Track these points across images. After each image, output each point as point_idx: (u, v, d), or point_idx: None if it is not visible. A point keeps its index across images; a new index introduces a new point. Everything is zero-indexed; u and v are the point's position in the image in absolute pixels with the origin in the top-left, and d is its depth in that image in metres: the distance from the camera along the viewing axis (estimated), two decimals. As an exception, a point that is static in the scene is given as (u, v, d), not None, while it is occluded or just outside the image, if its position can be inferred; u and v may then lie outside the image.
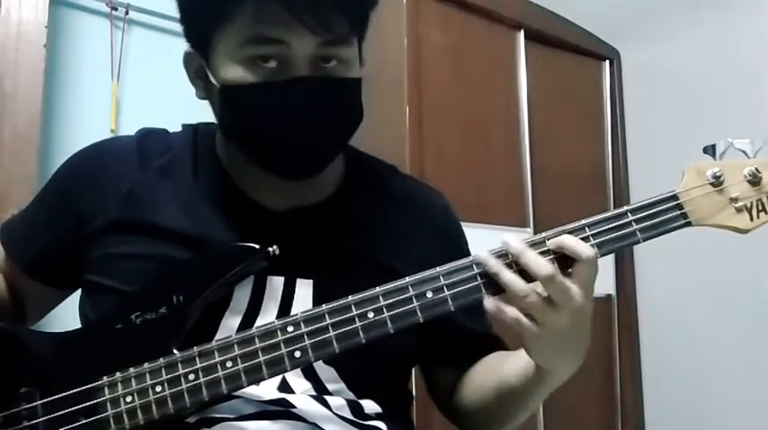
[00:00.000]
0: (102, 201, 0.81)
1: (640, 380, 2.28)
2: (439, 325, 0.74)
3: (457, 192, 1.61)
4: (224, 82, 0.76)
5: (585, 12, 2.37)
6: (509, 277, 0.69)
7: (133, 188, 0.81)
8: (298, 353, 0.69)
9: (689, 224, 0.75)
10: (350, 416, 0.77)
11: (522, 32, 2.11)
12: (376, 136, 1.47)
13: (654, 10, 2.31)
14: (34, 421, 0.69)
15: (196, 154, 0.85)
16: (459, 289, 0.71)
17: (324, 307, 0.71)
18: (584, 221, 0.74)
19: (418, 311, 0.70)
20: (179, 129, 0.91)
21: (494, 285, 0.71)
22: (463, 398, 0.88)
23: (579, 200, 2.17)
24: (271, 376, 0.69)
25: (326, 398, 0.76)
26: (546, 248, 0.71)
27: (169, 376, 0.69)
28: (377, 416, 0.80)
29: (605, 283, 2.21)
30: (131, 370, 0.69)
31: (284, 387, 0.75)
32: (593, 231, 0.73)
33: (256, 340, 0.69)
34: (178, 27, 2.03)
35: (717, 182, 0.75)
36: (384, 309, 0.70)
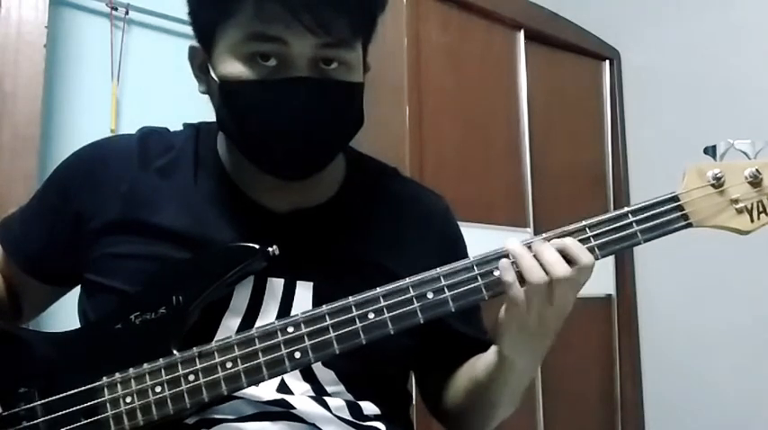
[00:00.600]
0: (102, 200, 0.81)
1: (640, 380, 2.28)
2: (433, 328, 0.74)
3: (457, 192, 1.62)
4: (223, 77, 0.76)
5: (585, 12, 2.37)
6: (527, 262, 0.70)
7: (133, 188, 0.81)
8: (298, 354, 0.69)
9: (690, 225, 0.75)
10: (349, 418, 0.77)
11: (522, 32, 2.11)
12: (376, 136, 1.47)
13: (654, 10, 2.31)
14: (34, 421, 0.69)
15: (197, 154, 0.85)
16: (459, 290, 0.72)
17: (324, 308, 0.71)
18: (584, 222, 0.74)
19: (419, 312, 0.71)
20: (179, 128, 0.91)
21: (494, 286, 0.71)
22: (445, 400, 0.89)
23: (579, 200, 2.18)
24: (271, 377, 0.70)
25: (325, 399, 0.76)
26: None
27: (169, 377, 0.69)
28: (376, 418, 0.80)
29: (605, 283, 2.21)
30: (131, 370, 0.70)
31: (283, 388, 0.75)
32: (594, 232, 0.73)
33: (256, 341, 0.69)
34: (178, 27, 2.03)
35: (717, 183, 0.75)
36: (385, 310, 0.70)
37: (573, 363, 2.04)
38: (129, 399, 0.69)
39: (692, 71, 2.19)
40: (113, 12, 1.81)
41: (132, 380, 0.69)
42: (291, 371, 0.70)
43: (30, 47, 1.57)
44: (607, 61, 2.39)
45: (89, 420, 0.68)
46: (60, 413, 0.69)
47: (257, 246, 0.73)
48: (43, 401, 0.70)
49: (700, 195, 0.75)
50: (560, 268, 0.69)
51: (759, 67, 2.03)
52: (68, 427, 0.68)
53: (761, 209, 0.75)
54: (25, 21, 1.57)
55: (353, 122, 0.81)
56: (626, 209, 0.75)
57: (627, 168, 2.36)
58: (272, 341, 0.69)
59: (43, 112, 1.59)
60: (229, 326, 0.76)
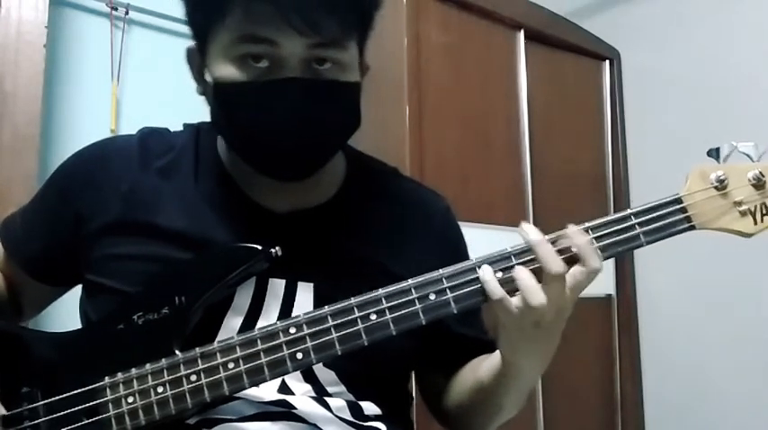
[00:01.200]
0: (103, 200, 0.81)
1: (640, 380, 2.28)
2: (433, 329, 0.74)
3: (457, 192, 1.62)
4: (216, 79, 0.76)
5: (585, 12, 2.37)
6: (521, 274, 0.69)
7: (134, 188, 0.81)
8: (300, 355, 0.69)
9: (693, 227, 0.74)
10: (350, 418, 0.77)
11: (522, 32, 2.11)
12: (376, 136, 1.47)
13: (654, 10, 2.31)
14: (36, 421, 0.69)
15: (197, 154, 0.85)
16: (461, 291, 0.71)
17: (326, 309, 0.70)
18: (587, 224, 0.73)
19: (421, 313, 0.70)
20: (179, 128, 0.91)
21: None
22: (447, 401, 0.89)
23: (579, 200, 2.18)
24: (273, 378, 0.70)
25: (326, 399, 0.76)
26: (554, 240, 0.71)
27: (171, 377, 0.69)
28: (376, 418, 0.80)
29: (605, 283, 2.21)
30: (133, 370, 0.70)
31: (284, 388, 0.75)
32: (597, 234, 0.73)
33: (258, 341, 0.69)
34: (178, 27, 2.03)
35: (721, 185, 0.75)
36: (387, 311, 0.70)
37: (573, 363, 2.04)
38: (130, 399, 0.69)
39: (692, 71, 2.19)
40: (113, 12, 1.81)
41: (134, 381, 0.69)
42: (293, 371, 0.70)
43: (30, 47, 1.57)
44: (607, 61, 2.39)
45: (91, 420, 0.68)
46: (62, 413, 0.69)
47: (260, 247, 0.73)
48: (45, 401, 0.70)
49: (703, 198, 0.75)
50: (555, 263, 0.68)
51: (759, 66, 2.03)
52: (70, 427, 0.68)
53: (764, 211, 0.75)
54: (25, 21, 1.57)
55: (349, 122, 0.81)
56: (629, 211, 0.74)
57: (627, 168, 2.36)
58: (275, 342, 0.69)
59: (43, 112, 1.59)
60: (231, 326, 0.76)
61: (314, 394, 0.76)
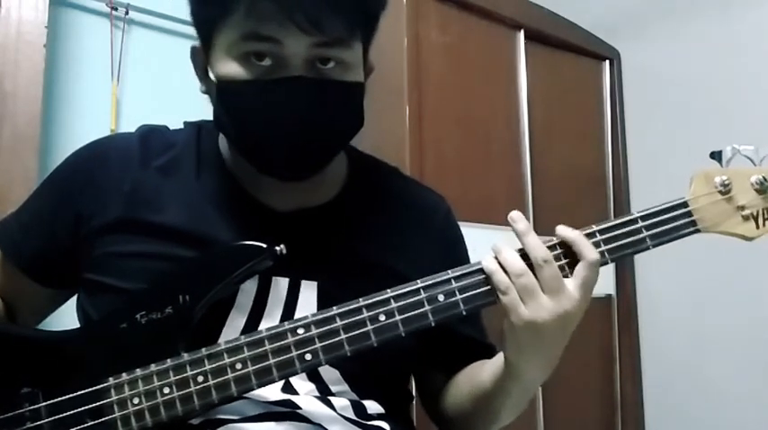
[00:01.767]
0: (104, 199, 0.80)
1: (640, 380, 2.28)
2: (436, 330, 0.74)
3: (457, 192, 1.62)
4: (219, 77, 0.76)
5: (585, 12, 2.37)
6: (508, 255, 0.70)
7: (135, 186, 0.81)
8: (308, 356, 0.69)
9: (697, 231, 0.76)
10: (353, 417, 0.77)
11: (522, 32, 2.11)
12: (376, 136, 1.47)
13: (654, 10, 2.31)
14: (38, 422, 0.68)
15: (199, 152, 0.85)
16: (470, 293, 0.71)
17: (335, 309, 0.70)
18: (595, 227, 0.74)
19: (430, 315, 0.70)
20: (179, 127, 0.91)
21: None
22: (445, 403, 0.89)
23: (579, 200, 2.18)
24: (281, 379, 0.69)
25: (330, 399, 0.76)
26: (554, 244, 0.72)
27: (177, 378, 0.68)
28: (379, 417, 0.80)
29: (605, 283, 2.21)
30: (138, 371, 0.69)
31: (288, 388, 0.75)
32: (604, 236, 0.73)
33: (266, 342, 0.69)
34: (178, 27, 2.02)
35: (725, 189, 0.76)
36: (396, 312, 0.70)
37: (573, 363, 2.04)
38: (136, 401, 0.68)
39: (692, 71, 2.19)
40: (113, 12, 1.81)
41: (140, 381, 0.68)
42: (302, 372, 0.70)
43: (30, 47, 1.56)
44: (607, 61, 2.39)
45: (96, 421, 0.68)
46: (66, 414, 0.68)
47: (264, 246, 0.73)
48: (49, 402, 0.69)
49: (708, 202, 0.76)
50: (539, 249, 0.69)
51: (759, 66, 2.03)
52: (75, 428, 0.68)
53: (766, 215, 0.77)
54: (25, 21, 1.57)
55: (352, 122, 0.81)
56: (635, 214, 0.75)
57: (627, 168, 2.36)
58: (283, 342, 0.69)
59: (43, 112, 1.58)
60: (235, 324, 0.75)
61: (317, 393, 0.76)
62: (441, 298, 0.71)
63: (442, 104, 1.87)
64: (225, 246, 0.77)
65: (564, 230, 0.73)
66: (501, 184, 1.99)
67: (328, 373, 0.77)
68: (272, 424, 0.73)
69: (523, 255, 0.71)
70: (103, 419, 0.68)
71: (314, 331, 0.69)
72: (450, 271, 0.72)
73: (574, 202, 2.14)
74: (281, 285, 0.78)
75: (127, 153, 0.84)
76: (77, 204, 0.82)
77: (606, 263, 0.73)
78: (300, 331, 0.69)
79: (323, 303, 0.76)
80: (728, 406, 2.03)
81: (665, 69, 2.27)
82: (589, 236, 0.73)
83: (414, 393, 0.95)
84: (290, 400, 0.74)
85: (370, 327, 0.69)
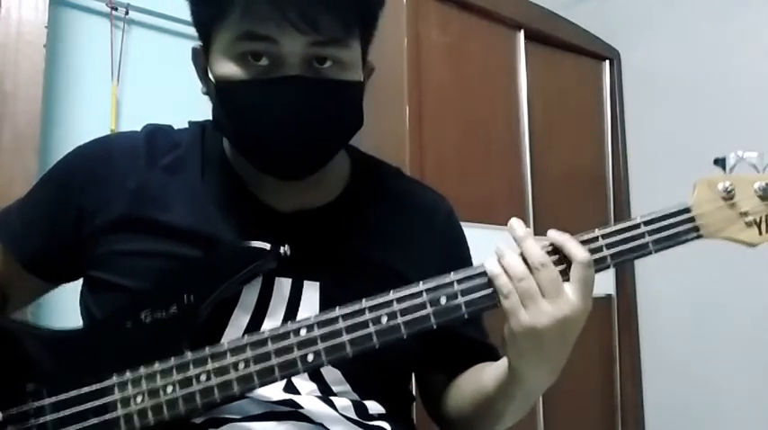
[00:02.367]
0: (108, 196, 0.80)
1: (640, 380, 2.28)
2: (438, 331, 0.74)
3: (457, 192, 1.61)
4: (218, 78, 0.76)
5: (585, 12, 2.37)
6: (511, 259, 0.70)
7: (142, 184, 0.81)
8: (311, 357, 0.69)
9: (700, 237, 0.76)
10: (355, 417, 0.77)
11: (522, 32, 2.11)
12: (376, 136, 1.47)
13: (654, 10, 2.31)
14: (42, 419, 0.68)
15: (204, 152, 0.85)
16: (473, 295, 0.71)
17: (337, 310, 0.70)
18: (597, 232, 0.74)
19: (432, 317, 0.70)
20: (181, 127, 0.91)
21: None
22: (446, 405, 0.89)
23: (579, 200, 2.18)
24: (283, 378, 0.70)
25: (332, 399, 0.76)
26: (550, 249, 0.72)
27: (180, 377, 0.68)
28: (380, 417, 0.80)
29: (605, 283, 2.21)
30: (142, 369, 0.69)
31: (290, 388, 0.75)
32: (607, 241, 0.73)
33: (269, 342, 0.69)
34: (178, 27, 2.02)
35: (728, 196, 0.76)
36: (398, 314, 0.70)
37: (573, 363, 2.03)
38: (139, 399, 0.68)
39: (692, 71, 2.19)
40: (113, 12, 1.81)
41: (143, 380, 0.68)
42: (304, 372, 0.70)
43: (30, 47, 1.57)
44: (607, 61, 2.39)
45: (99, 419, 0.68)
46: (69, 411, 0.68)
47: (269, 246, 0.73)
48: (52, 399, 0.69)
49: (711, 208, 0.76)
50: (536, 253, 0.70)
51: (759, 66, 2.03)
52: (77, 426, 0.68)
53: None
54: (25, 21, 1.57)
55: (350, 121, 0.81)
56: (639, 219, 0.75)
57: (627, 168, 2.36)
58: (285, 343, 0.69)
59: (43, 112, 1.58)
60: (239, 323, 0.75)
61: (319, 393, 0.76)
62: (443, 300, 0.70)
63: (442, 104, 1.87)
64: (230, 247, 0.77)
65: (553, 234, 0.73)
66: (501, 184, 1.99)
67: (330, 374, 0.77)
68: (274, 423, 0.73)
69: (527, 259, 0.71)
70: (106, 417, 0.68)
71: (317, 332, 0.69)
72: (452, 273, 0.72)
73: (574, 202, 2.14)
74: (284, 286, 0.78)
75: (133, 151, 0.84)
76: (81, 201, 0.81)
77: (609, 267, 0.73)
78: (303, 332, 0.69)
79: (325, 304, 0.76)
80: (728, 406, 2.04)
81: (665, 69, 2.27)
82: (592, 240, 0.73)
83: (415, 394, 0.95)
84: (292, 400, 0.74)
85: (372, 329, 0.69)
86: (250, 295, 0.77)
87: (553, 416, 1.98)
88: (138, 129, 0.89)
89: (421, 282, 0.71)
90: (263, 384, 0.69)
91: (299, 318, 0.75)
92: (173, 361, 0.69)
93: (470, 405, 0.83)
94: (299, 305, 0.78)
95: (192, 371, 0.68)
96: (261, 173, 0.80)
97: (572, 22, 2.29)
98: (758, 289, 1.98)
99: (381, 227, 0.87)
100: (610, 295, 2.24)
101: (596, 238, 0.73)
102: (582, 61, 2.33)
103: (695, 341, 2.14)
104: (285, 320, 0.76)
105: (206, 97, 0.82)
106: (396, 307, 0.70)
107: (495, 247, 0.73)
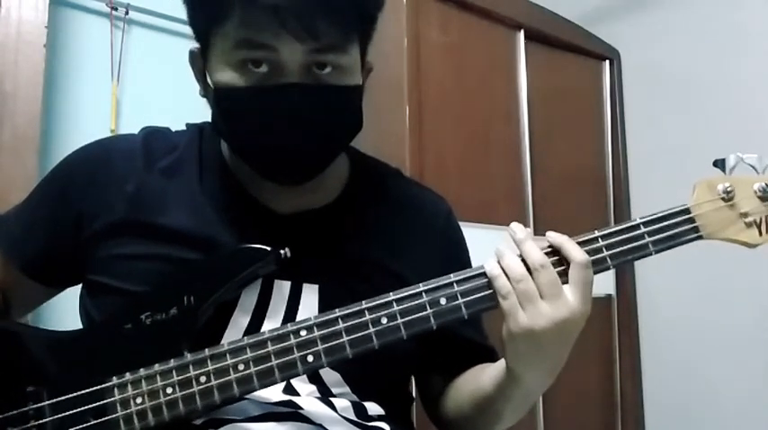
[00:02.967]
0: (107, 200, 0.80)
1: (640, 380, 2.28)
2: (438, 332, 0.74)
3: (457, 193, 1.62)
4: (217, 84, 0.76)
5: (585, 12, 2.37)
6: (510, 260, 0.70)
7: (140, 188, 0.81)
8: (311, 358, 0.69)
9: (700, 237, 0.76)
10: (354, 418, 0.77)
11: (522, 32, 2.11)
12: (376, 136, 1.47)
13: (654, 10, 2.31)
14: (42, 421, 0.68)
15: (201, 154, 0.85)
16: (472, 297, 0.71)
17: (337, 311, 0.70)
18: (597, 233, 0.74)
19: (432, 318, 0.70)
20: (180, 128, 0.91)
21: None
22: (446, 406, 0.89)
23: (579, 200, 2.18)
24: (283, 380, 0.70)
25: (331, 400, 0.76)
26: (549, 251, 0.72)
27: (180, 378, 0.68)
28: (380, 418, 0.80)
29: (605, 283, 2.21)
30: (141, 371, 0.69)
31: (289, 389, 0.75)
32: (606, 242, 0.74)
33: (269, 343, 0.69)
34: (178, 27, 2.02)
35: (728, 197, 0.77)
36: (398, 315, 0.70)
37: (573, 363, 2.03)
38: (139, 400, 0.68)
39: (692, 71, 2.19)
40: (113, 12, 1.81)
41: (143, 381, 0.69)
42: (303, 374, 0.70)
43: (30, 47, 1.57)
44: (607, 61, 2.39)
45: (98, 421, 0.68)
46: (69, 413, 0.68)
47: (269, 249, 0.73)
48: (52, 401, 0.69)
49: (710, 209, 0.76)
50: (536, 255, 0.70)
51: (759, 66, 2.03)
52: (77, 428, 0.68)
53: None
54: (25, 21, 1.57)
55: (350, 126, 0.81)
56: (638, 220, 0.75)
57: (627, 168, 2.36)
58: (285, 344, 0.69)
59: (43, 112, 1.58)
60: (238, 325, 0.76)
61: (318, 395, 0.76)
62: (443, 301, 0.71)
63: (442, 104, 1.87)
64: (230, 249, 0.77)
65: (552, 235, 0.73)
66: (501, 184, 1.99)
67: (329, 375, 0.77)
68: (273, 424, 0.73)
69: (526, 261, 0.71)
70: (105, 418, 0.68)
71: (316, 333, 0.69)
72: (452, 274, 0.72)
73: (574, 202, 2.14)
74: (283, 288, 0.78)
75: (131, 154, 0.84)
76: (80, 204, 0.81)
77: (608, 268, 0.74)
78: (303, 333, 0.69)
79: (324, 306, 0.76)
80: (728, 406, 2.03)
81: (666, 69, 2.27)
82: (591, 241, 0.73)
83: (414, 395, 0.95)
84: (291, 401, 0.74)
85: (372, 330, 0.69)
86: (250, 297, 0.77)
87: (553, 415, 1.98)
88: (138, 129, 0.89)
89: (420, 284, 0.71)
90: (262, 385, 0.69)
91: (298, 319, 0.75)
92: (172, 362, 0.69)
93: (469, 406, 0.83)
94: (298, 307, 0.78)
95: (192, 373, 0.68)
96: (261, 178, 0.80)
97: (572, 22, 2.29)
98: (758, 289, 1.98)
99: (380, 228, 0.87)
100: (610, 295, 2.24)
101: (596, 239, 0.74)
102: (582, 61, 2.33)
103: (695, 341, 2.13)
104: (285, 322, 0.76)
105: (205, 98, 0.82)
106: (395, 308, 0.70)
107: (495, 248, 0.73)
